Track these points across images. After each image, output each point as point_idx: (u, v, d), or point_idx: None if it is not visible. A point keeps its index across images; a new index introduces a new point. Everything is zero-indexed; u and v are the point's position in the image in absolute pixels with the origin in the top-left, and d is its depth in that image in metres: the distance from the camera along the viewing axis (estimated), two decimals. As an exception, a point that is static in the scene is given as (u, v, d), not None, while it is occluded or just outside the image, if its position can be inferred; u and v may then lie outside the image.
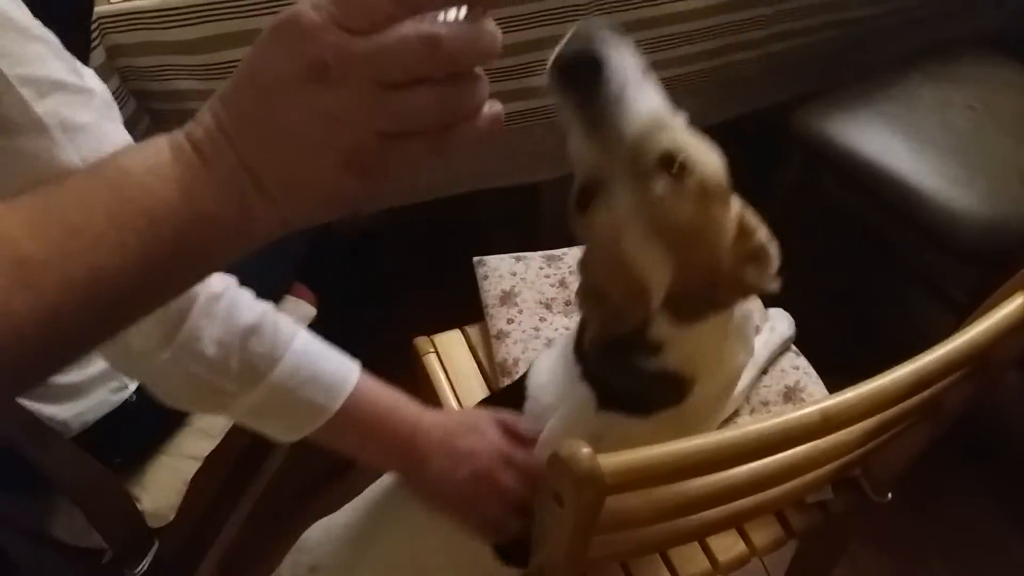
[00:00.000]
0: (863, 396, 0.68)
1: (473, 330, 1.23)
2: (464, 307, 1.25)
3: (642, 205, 0.68)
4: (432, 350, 1.20)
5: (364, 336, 1.63)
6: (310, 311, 1.24)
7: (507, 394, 0.99)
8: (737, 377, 0.89)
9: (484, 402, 1.02)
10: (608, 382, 0.82)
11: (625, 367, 0.78)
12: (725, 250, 0.71)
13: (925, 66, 1.54)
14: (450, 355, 1.19)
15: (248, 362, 0.74)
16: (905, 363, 0.70)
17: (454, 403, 1.15)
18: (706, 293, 0.72)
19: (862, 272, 1.87)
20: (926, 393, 0.73)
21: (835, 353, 1.72)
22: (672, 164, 0.67)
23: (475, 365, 1.19)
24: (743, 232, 0.73)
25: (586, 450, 0.62)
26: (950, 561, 1.50)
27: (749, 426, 0.66)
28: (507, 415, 0.90)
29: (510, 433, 0.87)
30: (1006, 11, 1.75)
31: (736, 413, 1.09)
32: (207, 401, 0.76)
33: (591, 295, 0.77)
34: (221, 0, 1.21)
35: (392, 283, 1.80)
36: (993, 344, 0.73)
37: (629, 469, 0.63)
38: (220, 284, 0.74)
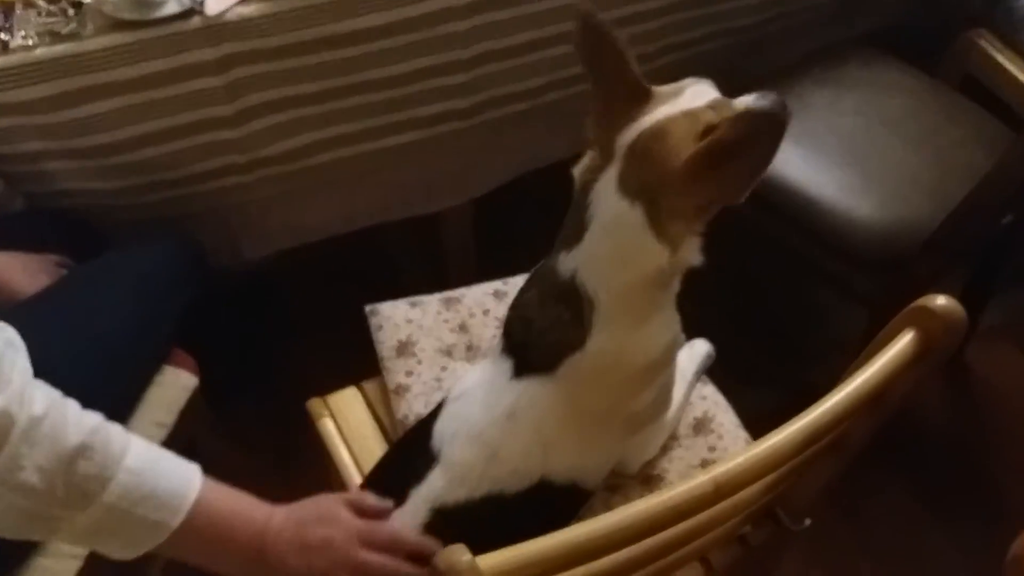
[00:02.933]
0: (755, 459, 0.65)
1: (371, 385, 1.17)
2: (364, 353, 1.19)
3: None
4: (327, 413, 1.13)
5: (253, 396, 1.57)
6: (191, 381, 1.16)
7: (429, 415, 0.95)
8: (642, 364, 0.87)
9: (398, 441, 1.03)
10: (526, 332, 0.87)
11: (546, 279, 0.86)
12: (703, 163, 0.77)
13: (814, 72, 1.54)
14: (346, 417, 1.13)
15: (77, 486, 0.70)
16: (796, 419, 0.67)
17: (353, 468, 1.08)
18: (658, 170, 0.78)
19: (771, 281, 1.87)
20: (823, 441, 0.70)
21: (752, 365, 1.72)
22: None
23: (374, 425, 1.13)
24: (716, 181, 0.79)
25: (465, 557, 0.57)
26: (881, 567, 1.50)
27: (638, 505, 0.62)
28: (352, 494, 0.88)
29: (361, 510, 0.84)
30: (889, 14, 1.77)
31: (674, 437, 1.07)
32: (34, 529, 0.71)
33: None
34: (61, 56, 1.13)
35: (285, 331, 1.72)
36: (886, 385, 0.70)
37: (513, 568, 0.58)
38: (42, 404, 0.70)
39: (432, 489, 0.86)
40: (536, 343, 0.85)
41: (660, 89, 0.85)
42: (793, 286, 1.88)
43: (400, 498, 0.86)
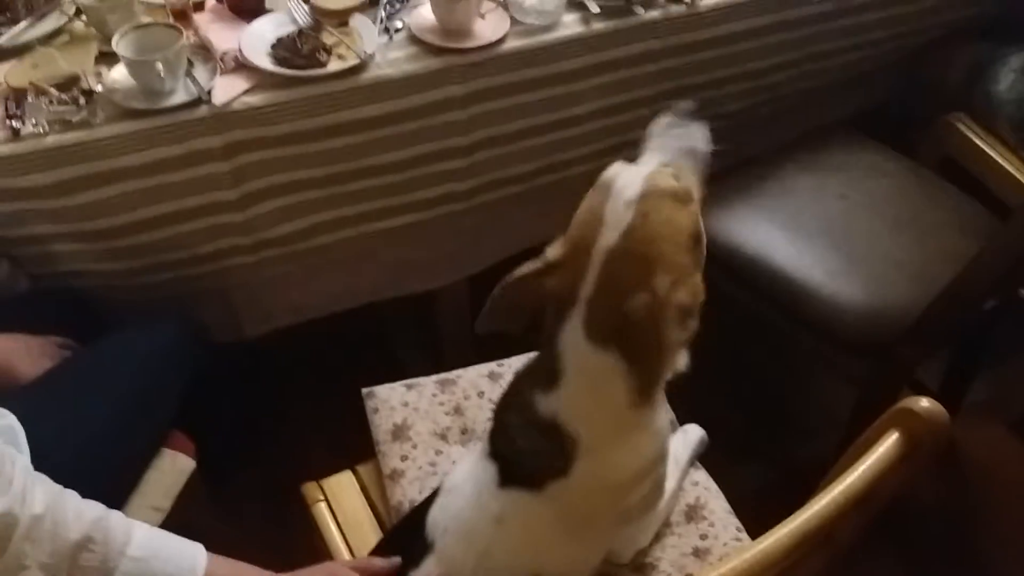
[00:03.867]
0: (744, 565, 0.66)
1: (366, 468, 1.18)
2: (360, 433, 1.20)
3: (647, 169, 0.81)
4: (321, 498, 1.14)
5: (249, 475, 1.57)
6: (188, 464, 1.17)
7: (430, 496, 0.96)
8: (624, 480, 0.87)
9: (406, 515, 1.03)
10: (509, 449, 0.85)
11: (526, 411, 0.83)
12: (666, 265, 0.77)
13: (797, 155, 1.59)
14: (341, 502, 1.14)
15: None
16: (785, 522, 0.69)
17: (347, 555, 1.09)
18: (621, 307, 0.77)
19: (761, 357, 1.90)
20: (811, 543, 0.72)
21: (742, 441, 1.74)
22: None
23: (368, 511, 1.14)
24: (685, 286, 0.78)
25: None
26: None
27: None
28: (359, 560, 0.90)
29: (369, 573, 0.87)
30: (872, 96, 1.83)
31: (667, 524, 1.08)
32: None
33: (552, 248, 0.82)
34: (72, 144, 1.16)
35: (282, 408, 1.73)
36: (873, 486, 0.72)
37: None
38: (43, 502, 0.72)
39: (427, 575, 0.87)
40: (520, 462, 0.85)
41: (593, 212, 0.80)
42: (783, 362, 1.91)
43: None
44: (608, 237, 0.78)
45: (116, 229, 1.26)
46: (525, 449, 0.84)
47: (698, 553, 1.07)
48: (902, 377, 1.43)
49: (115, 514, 0.79)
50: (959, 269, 1.36)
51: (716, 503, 1.12)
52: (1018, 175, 1.63)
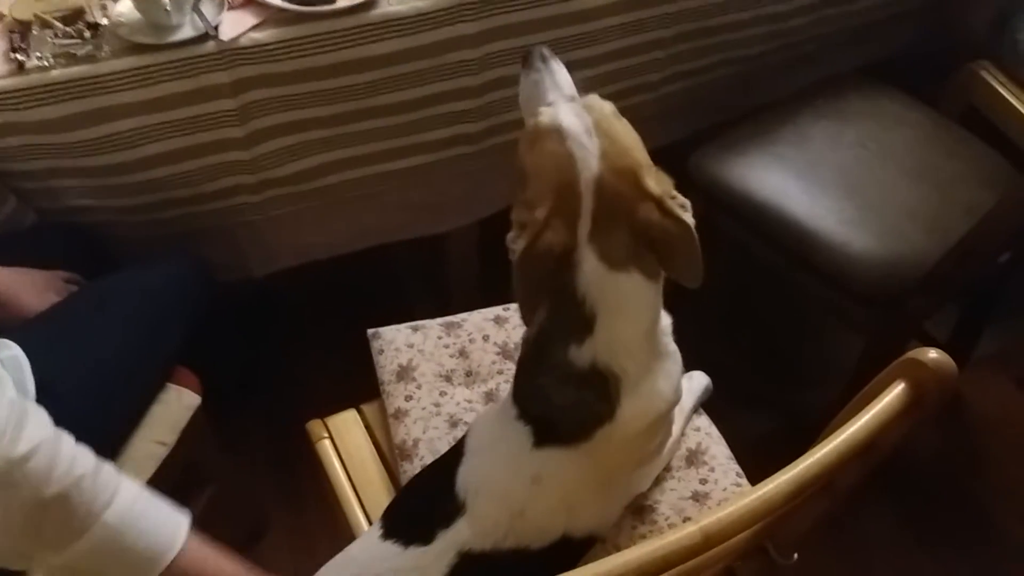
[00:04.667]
0: (744, 509, 0.66)
1: (370, 408, 1.19)
2: (366, 373, 1.21)
3: (574, 102, 0.84)
4: (326, 435, 1.15)
5: (255, 412, 1.59)
6: (193, 400, 1.18)
7: (448, 456, 0.96)
8: (666, 410, 0.90)
9: (424, 469, 1.02)
10: (545, 409, 0.85)
11: (560, 371, 0.83)
12: (642, 186, 0.80)
13: (816, 103, 1.56)
14: (345, 439, 1.15)
15: (52, 531, 0.72)
16: (786, 469, 0.69)
17: (350, 491, 1.11)
18: (628, 224, 0.79)
19: (767, 305, 1.89)
20: (812, 489, 0.72)
21: (747, 388, 1.74)
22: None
23: (372, 449, 1.15)
24: (656, 190, 0.81)
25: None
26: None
27: (629, 554, 0.63)
28: None
29: None
30: (892, 43, 1.79)
31: (667, 468, 1.09)
32: (8, 559, 0.74)
33: (523, 214, 0.81)
34: (77, 78, 1.15)
35: (288, 348, 1.74)
36: (876, 436, 0.72)
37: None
38: (29, 443, 0.71)
39: (459, 535, 0.87)
40: (560, 419, 0.85)
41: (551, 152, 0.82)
42: (790, 311, 1.90)
43: (426, 535, 0.88)
44: (587, 168, 0.80)
45: (121, 165, 1.25)
46: (565, 405, 0.84)
47: (697, 497, 1.08)
48: (911, 328, 1.42)
49: (106, 471, 0.78)
50: (975, 222, 1.34)
51: (717, 448, 1.12)
52: (1042, 126, 1.60)
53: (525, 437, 0.87)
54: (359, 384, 1.21)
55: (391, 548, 0.89)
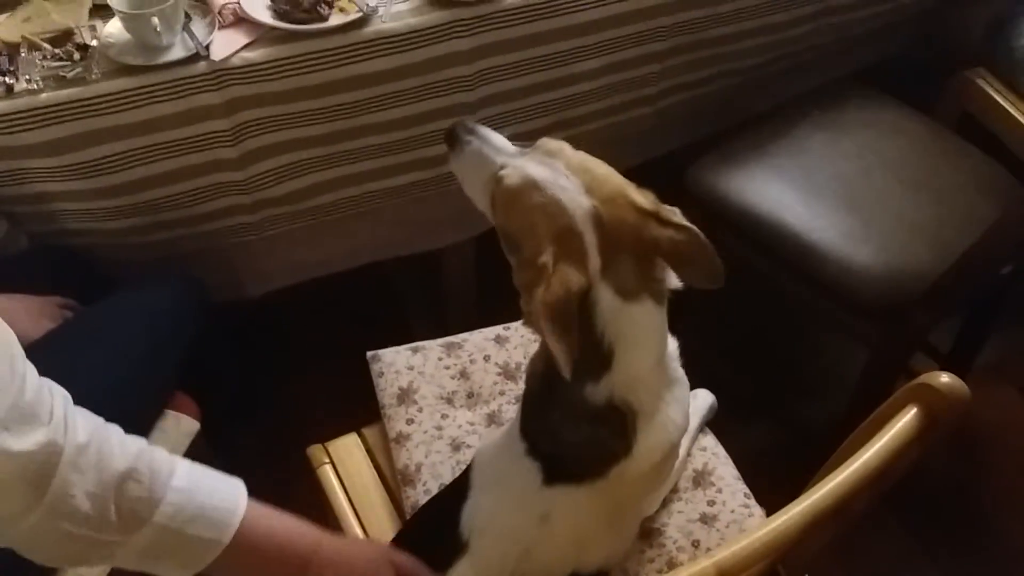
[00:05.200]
0: (758, 543, 0.65)
1: (371, 431, 1.17)
2: (365, 393, 1.19)
3: (543, 158, 0.82)
4: (327, 460, 1.13)
5: (253, 436, 1.57)
6: (192, 426, 1.16)
7: (452, 490, 0.95)
8: (679, 439, 0.89)
9: (428, 503, 1.00)
10: (556, 446, 0.83)
11: (574, 409, 0.81)
12: (636, 206, 0.79)
13: (812, 113, 1.55)
14: (346, 465, 1.13)
15: (128, 509, 0.73)
16: (801, 497, 0.67)
17: (352, 518, 1.09)
18: (634, 251, 0.78)
19: (769, 318, 1.87)
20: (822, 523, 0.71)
21: (750, 402, 1.73)
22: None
23: (374, 474, 1.13)
24: (650, 206, 0.81)
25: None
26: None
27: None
28: (406, 559, 0.87)
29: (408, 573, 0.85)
30: (887, 50, 1.78)
31: (675, 490, 1.08)
32: (89, 555, 0.74)
33: (529, 273, 0.78)
34: (67, 101, 1.13)
35: (285, 369, 1.72)
36: (890, 462, 0.71)
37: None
38: (86, 431, 0.72)
39: None
40: (573, 457, 0.83)
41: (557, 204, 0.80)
42: (791, 323, 1.89)
43: None
44: (579, 206, 0.78)
45: (114, 188, 1.23)
46: (579, 443, 0.82)
47: (705, 520, 1.06)
48: (914, 340, 1.41)
49: (157, 448, 0.79)
50: (977, 232, 1.33)
51: (724, 469, 1.11)
52: (1039, 134, 1.59)
53: (534, 474, 0.84)
54: (358, 406, 1.19)
55: None
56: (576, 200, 0.78)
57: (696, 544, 1.04)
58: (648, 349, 0.82)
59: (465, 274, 1.70)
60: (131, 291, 1.21)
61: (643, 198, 0.81)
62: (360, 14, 1.23)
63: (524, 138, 1.47)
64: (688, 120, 1.64)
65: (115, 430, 0.76)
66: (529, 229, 0.80)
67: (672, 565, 1.03)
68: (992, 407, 1.72)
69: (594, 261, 0.78)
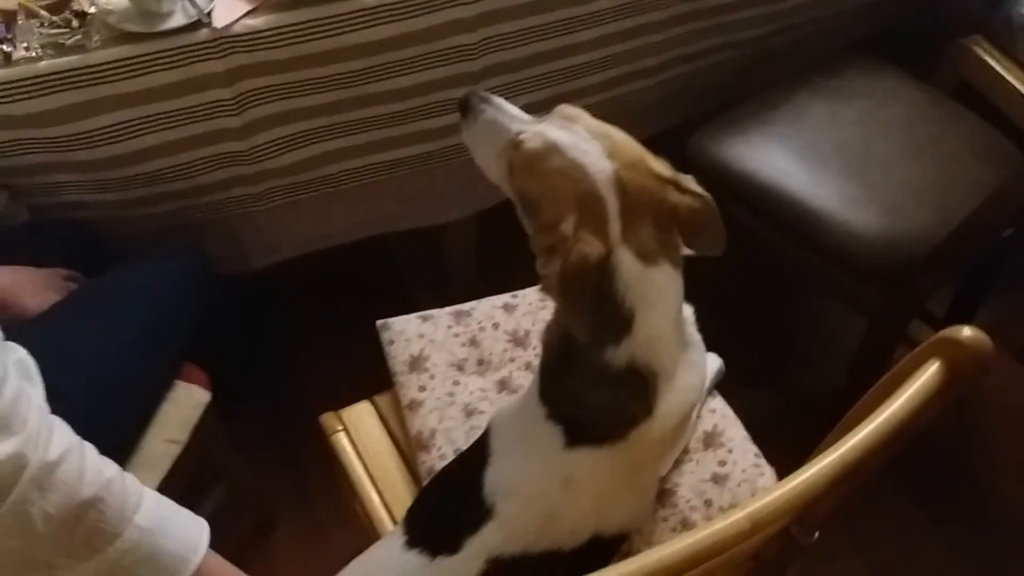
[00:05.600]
0: (790, 495, 0.66)
1: (384, 399, 1.17)
2: (373, 365, 1.19)
3: (564, 123, 0.82)
4: (341, 427, 1.13)
5: (264, 407, 1.57)
6: (203, 397, 1.16)
7: (470, 457, 0.95)
8: (697, 401, 0.90)
9: (445, 470, 1.00)
10: (578, 409, 0.83)
11: (595, 372, 0.81)
12: (655, 173, 0.80)
13: (812, 81, 1.55)
14: (360, 431, 1.13)
15: (84, 537, 0.71)
16: (828, 450, 0.68)
17: (368, 483, 1.09)
18: (653, 216, 0.79)
19: (770, 289, 1.88)
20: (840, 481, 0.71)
21: (751, 369, 1.74)
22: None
23: (389, 440, 1.13)
24: (668, 173, 0.82)
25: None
26: (878, 566, 1.52)
27: (679, 542, 0.63)
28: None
29: None
30: (887, 19, 1.78)
31: (685, 451, 1.09)
32: (30, 574, 0.71)
33: (548, 238, 0.78)
34: (66, 69, 1.11)
35: (293, 341, 1.71)
36: (914, 417, 0.72)
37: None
38: (58, 449, 0.70)
39: (488, 541, 0.85)
40: (594, 420, 0.83)
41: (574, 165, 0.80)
42: (792, 292, 1.90)
43: (453, 543, 0.86)
44: (602, 170, 0.78)
45: (115, 159, 1.22)
46: (601, 406, 0.82)
47: (717, 479, 1.07)
48: (915, 304, 1.42)
49: (129, 476, 0.77)
50: (977, 197, 1.35)
51: (734, 430, 1.12)
52: (1035, 101, 1.61)
53: (556, 437, 0.85)
54: (364, 376, 1.18)
55: (417, 559, 0.87)
56: (598, 164, 0.78)
57: (709, 503, 1.06)
58: (667, 312, 0.82)
59: (467, 250, 1.70)
60: (137, 263, 1.20)
61: (661, 165, 0.82)
62: (364, -20, 1.22)
63: (527, 111, 1.49)
64: (689, 94, 1.64)
65: (90, 451, 0.74)
66: (550, 193, 0.80)
67: (686, 524, 1.04)
68: (987, 371, 1.74)
69: (615, 225, 0.78)
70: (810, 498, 0.67)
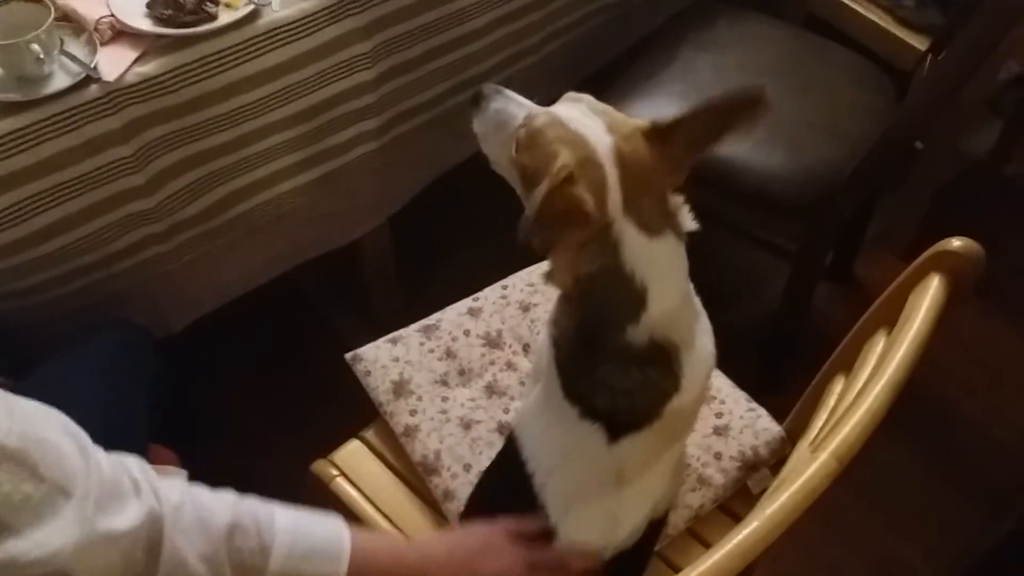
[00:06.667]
0: (860, 424, 0.69)
1: (371, 433, 1.13)
2: (334, 403, 1.14)
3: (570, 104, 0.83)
4: (336, 472, 1.08)
5: (243, 479, 1.47)
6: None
7: (507, 482, 0.93)
8: (713, 364, 0.90)
9: (480, 499, 0.99)
10: (612, 399, 0.83)
11: (620, 356, 0.81)
12: (646, 135, 0.80)
13: (691, 35, 1.60)
14: (359, 471, 1.09)
15: (241, 562, 0.70)
16: (877, 377, 0.72)
17: (382, 522, 1.05)
18: (652, 188, 0.79)
19: (696, 244, 1.94)
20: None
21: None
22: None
23: (390, 474, 1.09)
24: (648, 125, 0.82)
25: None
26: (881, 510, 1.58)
27: (779, 496, 0.64)
28: (510, 521, 0.87)
29: (522, 537, 0.85)
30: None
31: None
32: None
33: (549, 216, 0.77)
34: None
35: (239, 403, 1.61)
36: (932, 330, 0.76)
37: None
38: (177, 491, 0.69)
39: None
40: (629, 405, 0.83)
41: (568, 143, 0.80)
42: (716, 246, 1.96)
43: None
44: (602, 142, 0.78)
45: (16, 244, 1.10)
46: (632, 389, 0.82)
47: (719, 431, 1.11)
48: (837, 232, 1.51)
49: (245, 496, 0.76)
50: (867, 118, 1.45)
51: (720, 380, 1.16)
52: (879, 22, 1.74)
53: (598, 436, 0.84)
54: (326, 417, 1.13)
55: None
56: (600, 136, 0.78)
57: (719, 456, 1.09)
58: (677, 283, 0.83)
59: (384, 260, 1.66)
60: (69, 352, 1.08)
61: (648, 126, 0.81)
62: (251, 6, 1.15)
63: (430, 104, 1.46)
64: (571, 62, 1.66)
65: (198, 486, 0.72)
66: (550, 158, 0.79)
67: (703, 481, 1.07)
68: (879, 274, 1.87)
69: (615, 197, 0.78)
70: (879, 420, 0.70)
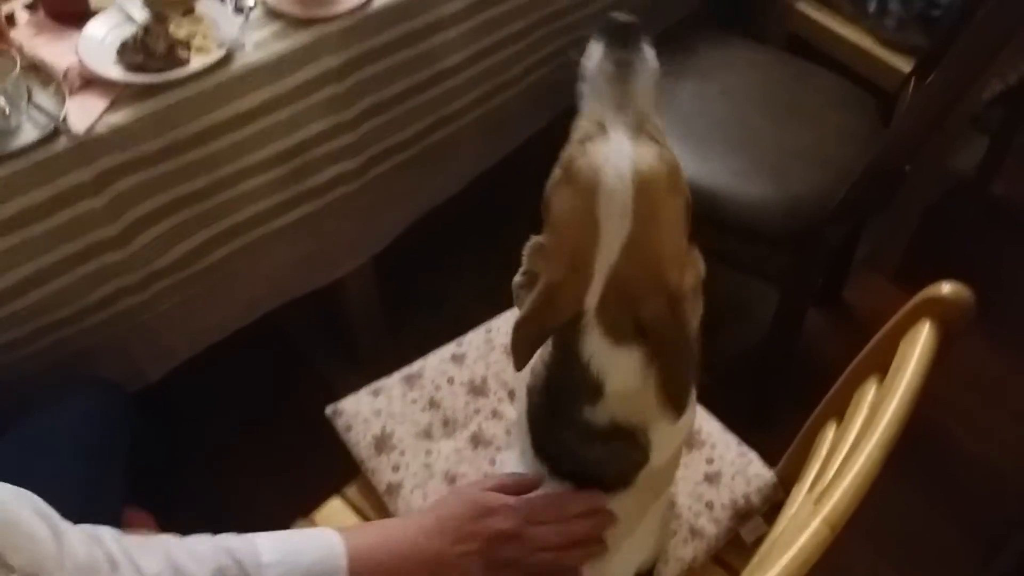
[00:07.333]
0: (852, 488, 0.67)
1: (353, 489, 1.10)
2: (319, 456, 1.11)
3: (630, 152, 0.68)
4: (320, 531, 1.05)
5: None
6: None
7: None
8: (691, 425, 0.90)
9: None
10: (576, 465, 0.80)
11: (582, 429, 0.76)
12: (670, 259, 0.69)
13: (668, 63, 1.56)
14: (342, 529, 1.05)
15: None
16: (874, 424, 0.69)
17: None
18: (638, 299, 0.70)
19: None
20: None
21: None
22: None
23: (375, 530, 1.06)
24: (686, 261, 0.71)
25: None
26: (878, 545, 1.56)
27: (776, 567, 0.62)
28: (492, 480, 0.85)
29: (507, 490, 0.83)
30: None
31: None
32: None
33: (539, 260, 0.72)
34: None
35: (221, 460, 1.58)
36: (923, 380, 0.74)
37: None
38: (156, 561, 0.67)
39: None
40: (595, 472, 0.79)
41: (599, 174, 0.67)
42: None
43: None
44: (609, 251, 0.68)
45: (-15, 302, 1.07)
46: (597, 460, 0.78)
47: (710, 479, 1.08)
48: (824, 260, 1.49)
49: (225, 535, 0.74)
50: (852, 144, 1.44)
51: (710, 425, 1.13)
52: (861, 44, 1.73)
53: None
54: (310, 472, 1.10)
55: None
56: (611, 245, 0.68)
57: (710, 505, 1.06)
58: (640, 382, 0.74)
59: (368, 298, 1.63)
60: (37, 415, 1.05)
61: (678, 270, 0.70)
62: (224, 50, 1.13)
63: (410, 141, 1.44)
64: (552, 92, 1.64)
65: (171, 537, 0.71)
66: (559, 225, 0.70)
67: (695, 533, 1.04)
68: (868, 296, 1.85)
69: (593, 299, 0.70)
70: (868, 483, 0.68)
